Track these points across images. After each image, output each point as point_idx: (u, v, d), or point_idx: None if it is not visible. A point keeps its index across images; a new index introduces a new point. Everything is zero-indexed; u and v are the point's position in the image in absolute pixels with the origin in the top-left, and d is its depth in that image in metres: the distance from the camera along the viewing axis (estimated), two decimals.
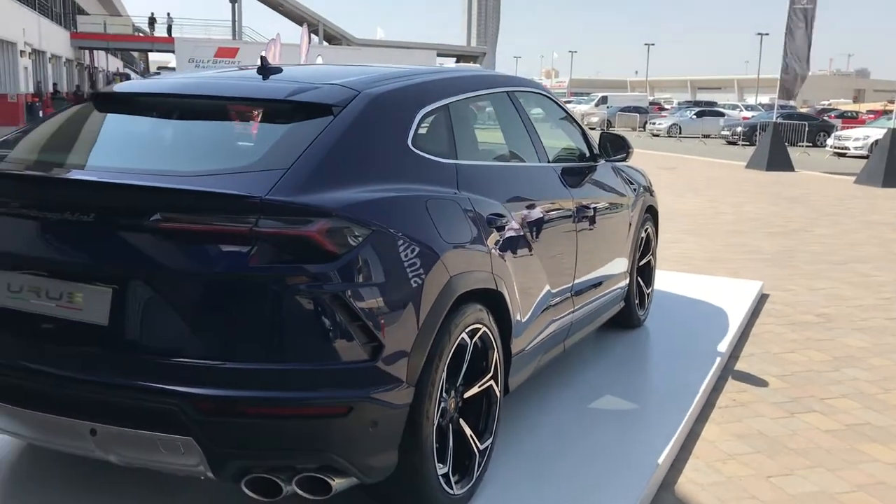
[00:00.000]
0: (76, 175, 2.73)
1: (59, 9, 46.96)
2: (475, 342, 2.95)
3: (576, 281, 4.02)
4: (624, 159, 4.76)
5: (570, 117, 4.58)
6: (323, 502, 2.59)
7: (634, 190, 5.01)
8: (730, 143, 32.85)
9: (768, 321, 5.94)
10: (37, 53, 37.11)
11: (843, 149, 26.18)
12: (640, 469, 3.35)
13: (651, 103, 55.11)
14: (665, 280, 6.36)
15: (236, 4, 52.04)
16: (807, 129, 29.09)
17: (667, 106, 55.45)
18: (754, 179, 17.85)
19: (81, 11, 53.42)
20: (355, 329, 2.39)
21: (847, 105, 61.93)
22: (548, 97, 4.46)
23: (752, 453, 3.67)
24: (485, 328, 2.99)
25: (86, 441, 2.40)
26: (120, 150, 2.98)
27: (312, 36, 58.87)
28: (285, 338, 2.33)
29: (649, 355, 5.05)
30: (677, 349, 5.00)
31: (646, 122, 42.07)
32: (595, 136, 4.71)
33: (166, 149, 2.94)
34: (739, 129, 33.01)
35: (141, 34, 55.65)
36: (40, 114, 31.96)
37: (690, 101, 57.28)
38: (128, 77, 60.52)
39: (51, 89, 38.76)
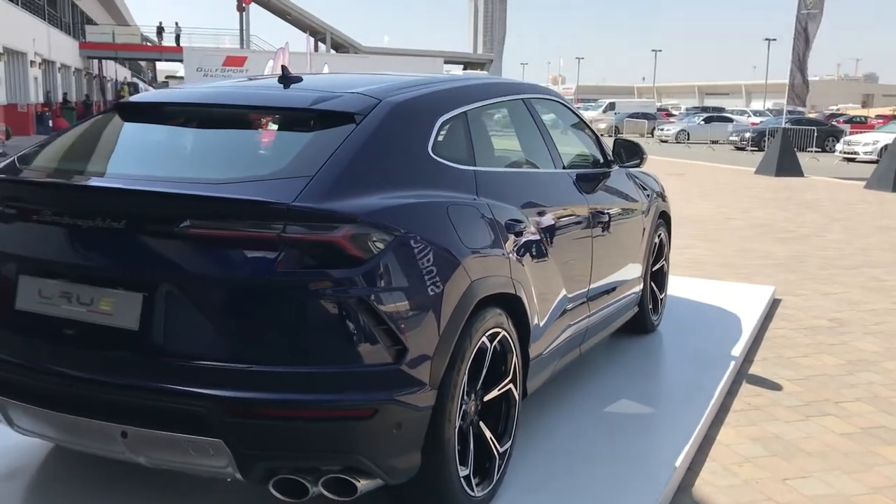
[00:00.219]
0: (107, 183, 2.79)
1: (69, 19, 47.27)
2: (495, 346, 3.00)
3: (591, 286, 4.06)
4: (638, 165, 4.80)
5: (584, 124, 4.63)
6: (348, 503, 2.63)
7: (648, 196, 5.05)
8: (738, 148, 32.84)
9: (781, 326, 5.97)
10: (46, 63, 37.34)
11: (852, 154, 26.16)
12: (657, 471, 3.38)
13: (659, 109, 55.08)
14: (677, 285, 6.39)
15: (244, 14, 52.29)
16: (816, 134, 29.08)
17: (674, 112, 55.44)
18: (764, 185, 17.85)
19: (90, 21, 53.76)
20: (380, 333, 2.44)
21: (856, 110, 61.82)
22: (562, 104, 4.51)
23: (768, 456, 3.70)
24: (504, 332, 3.03)
25: (116, 443, 2.45)
26: (149, 159, 3.04)
27: (320, 44, 59.13)
28: (312, 341, 2.38)
29: (663, 360, 5.08)
30: (691, 353, 5.03)
31: (654, 128, 42.09)
32: (609, 143, 4.75)
33: (194, 157, 2.99)
34: (748, 134, 33.00)
35: (149, 44, 55.95)
36: (49, 123, 32.17)
37: (698, 107, 57.32)
38: (136, 86, 60.88)
39: (60, 99, 39.00)
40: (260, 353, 2.36)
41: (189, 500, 3.07)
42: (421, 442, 2.61)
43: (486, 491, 2.99)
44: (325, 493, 2.49)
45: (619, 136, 27.69)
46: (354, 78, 3.48)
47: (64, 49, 41.88)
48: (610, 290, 4.37)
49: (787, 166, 19.96)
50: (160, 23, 54.81)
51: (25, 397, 2.54)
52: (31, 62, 33.67)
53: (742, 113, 46.91)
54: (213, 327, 2.39)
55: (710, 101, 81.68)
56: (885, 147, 22.47)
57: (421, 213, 2.72)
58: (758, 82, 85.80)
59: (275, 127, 2.99)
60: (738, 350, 5.07)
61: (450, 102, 3.27)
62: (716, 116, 41.29)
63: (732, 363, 4.80)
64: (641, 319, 5.18)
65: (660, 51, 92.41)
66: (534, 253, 3.35)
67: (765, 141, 28.99)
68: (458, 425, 2.76)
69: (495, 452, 3.04)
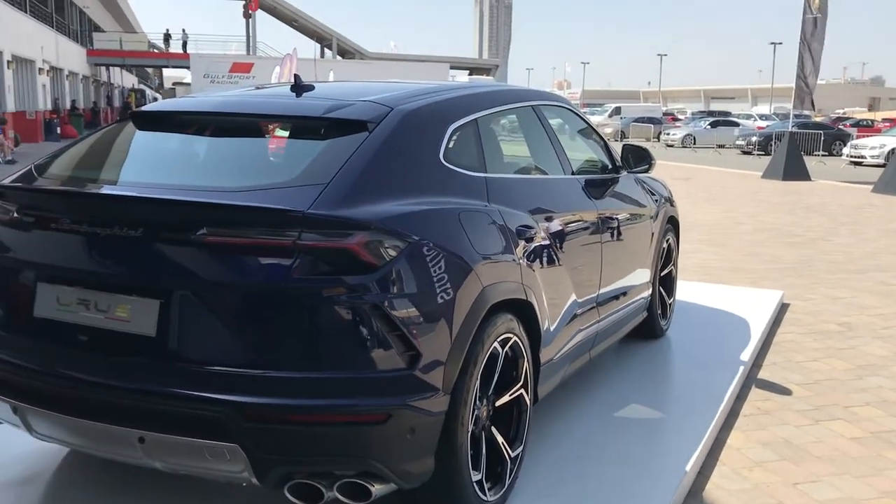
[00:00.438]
0: (124, 191, 2.82)
1: (76, 26, 47.51)
2: (506, 351, 3.02)
3: (600, 291, 4.08)
4: (646, 171, 4.82)
5: (592, 130, 4.65)
6: None
7: (656, 201, 5.07)
8: (745, 152, 32.79)
9: (790, 330, 5.97)
10: (54, 71, 37.52)
11: (859, 157, 26.08)
12: (667, 476, 3.39)
13: (665, 113, 55.08)
14: (686, 290, 6.40)
15: (250, 20, 52.47)
16: (822, 138, 29.04)
17: (680, 116, 55.42)
18: (771, 189, 17.84)
19: (97, 28, 54.00)
20: (393, 338, 2.47)
21: (862, 113, 61.68)
22: (571, 110, 4.54)
23: (778, 460, 3.71)
24: (515, 338, 3.05)
25: (134, 449, 2.48)
26: (165, 167, 3.08)
27: (326, 50, 59.25)
28: (326, 347, 2.41)
29: (672, 364, 5.09)
30: (700, 358, 5.04)
31: (660, 133, 42.09)
32: (617, 148, 4.78)
33: (209, 165, 3.03)
34: (754, 138, 32.95)
35: (156, 50, 56.20)
36: (58, 130, 32.32)
37: (704, 111, 57.24)
38: (143, 93, 61.10)
39: (68, 106, 39.18)
40: (275, 359, 2.39)
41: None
42: (434, 447, 2.63)
43: (499, 495, 3.01)
44: (340, 497, 2.51)
45: (627, 141, 27.73)
46: (366, 86, 3.51)
47: (72, 56, 42.10)
48: (619, 295, 4.39)
49: (793, 170, 19.94)
50: (167, 30, 55.11)
51: (44, 403, 2.58)
52: (40, 70, 33.86)
53: (748, 117, 46.83)
54: (229, 333, 2.42)
55: (716, 106, 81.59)
56: (892, 150, 22.47)
57: (433, 220, 2.75)
58: (764, 86, 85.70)
59: (289, 135, 3.02)
60: (746, 354, 5.08)
61: (461, 110, 3.30)
62: (722, 120, 41.24)
63: (741, 368, 4.81)
64: (650, 324, 5.20)
65: (665, 55, 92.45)
66: (544, 258, 3.37)
67: (771, 145, 28.96)
68: (470, 430, 2.78)
69: (507, 457, 3.07)
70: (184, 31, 54.48)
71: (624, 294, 4.48)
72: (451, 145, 3.10)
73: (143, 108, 3.43)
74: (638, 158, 4.74)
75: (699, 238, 10.35)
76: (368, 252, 2.44)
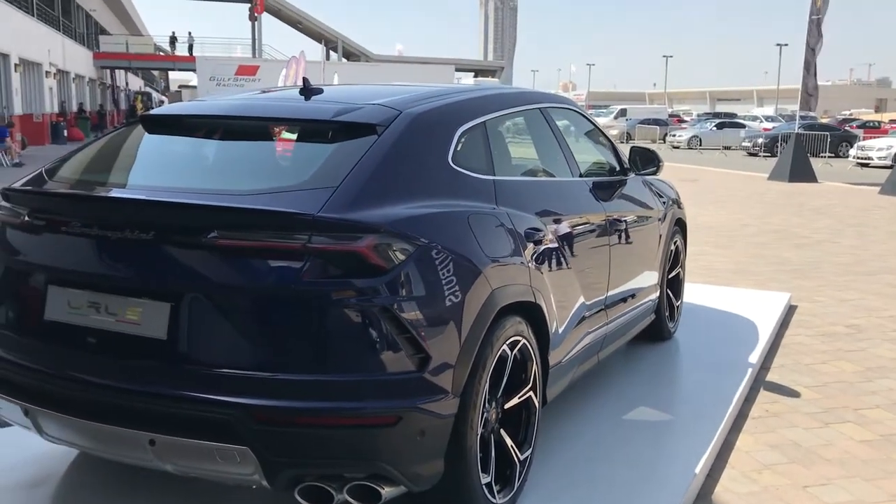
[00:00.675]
0: (134, 194, 2.83)
1: (83, 30, 47.66)
2: (515, 354, 3.02)
3: (608, 293, 4.08)
4: (654, 173, 4.82)
5: (600, 132, 4.65)
6: None
7: (664, 203, 5.07)
8: (751, 154, 32.73)
9: (798, 332, 5.96)
10: (61, 74, 37.62)
11: (866, 159, 26.01)
12: (676, 478, 3.39)
13: (670, 115, 54.96)
14: (693, 292, 6.40)
15: (256, 23, 52.55)
16: (829, 139, 28.94)
17: (686, 118, 55.30)
18: (777, 190, 17.81)
19: (104, 31, 54.17)
20: (403, 341, 2.47)
21: (869, 115, 61.50)
22: (579, 112, 4.54)
23: (788, 463, 3.70)
24: (524, 340, 3.05)
25: (144, 451, 2.49)
26: (175, 171, 3.09)
27: (331, 52, 59.34)
28: (336, 350, 2.41)
29: (680, 367, 5.08)
30: (708, 361, 5.03)
31: (665, 134, 42.02)
32: (625, 150, 4.77)
33: (220, 169, 3.04)
34: (760, 140, 32.88)
35: (162, 53, 56.33)
36: (64, 133, 32.40)
37: (710, 113, 57.15)
38: (149, 96, 61.23)
39: (75, 109, 39.30)
40: (286, 362, 2.40)
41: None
42: (444, 449, 2.63)
43: (508, 498, 3.01)
44: (350, 500, 2.51)
45: (633, 143, 27.67)
46: (375, 89, 3.52)
47: (78, 59, 42.22)
48: (627, 297, 4.39)
49: (800, 172, 19.90)
50: (173, 32, 55.10)
51: (55, 405, 2.58)
52: (47, 73, 33.96)
53: (754, 118, 46.72)
54: (239, 336, 2.43)
55: (722, 107, 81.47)
56: None
57: (442, 223, 2.75)
58: (769, 88, 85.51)
59: (298, 138, 3.03)
60: (755, 357, 5.07)
61: (469, 113, 3.30)
62: (728, 122, 41.17)
63: (749, 370, 4.80)
64: (658, 327, 5.19)
65: (671, 57, 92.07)
66: (553, 261, 3.37)
67: (777, 146, 28.88)
68: (479, 433, 2.78)
69: (516, 460, 3.07)
70: (189, 34, 54.55)
71: (632, 296, 4.48)
72: (459, 148, 3.10)
73: (153, 112, 3.44)
74: (646, 160, 4.73)
75: (706, 240, 10.33)
76: (378, 255, 2.45)
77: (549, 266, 3.33)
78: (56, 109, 35.74)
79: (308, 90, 3.32)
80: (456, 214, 2.84)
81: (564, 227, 3.57)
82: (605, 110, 57.27)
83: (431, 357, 2.52)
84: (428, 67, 50.16)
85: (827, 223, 12.35)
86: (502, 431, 3.01)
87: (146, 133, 3.30)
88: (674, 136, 40.32)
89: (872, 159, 25.68)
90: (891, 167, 20.10)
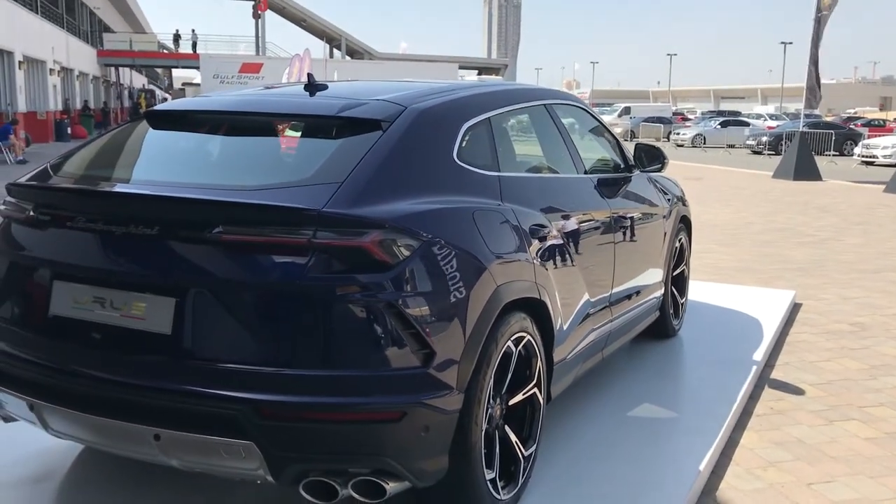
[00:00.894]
0: (140, 189, 2.84)
1: (87, 27, 47.70)
2: (519, 350, 3.02)
3: (613, 290, 4.07)
4: (659, 170, 4.81)
5: (605, 129, 4.64)
6: None
7: (668, 200, 5.06)
8: (755, 152, 32.67)
9: (802, 330, 5.95)
10: (65, 71, 37.66)
11: (870, 157, 25.94)
12: (681, 475, 3.39)
13: (674, 113, 54.90)
14: (697, 290, 6.38)
15: (260, 21, 52.56)
16: (833, 137, 28.89)
17: (690, 116, 55.24)
18: (782, 189, 17.78)
19: (108, 29, 54.19)
20: (408, 336, 2.47)
21: (873, 113, 61.34)
22: (584, 109, 4.53)
23: (792, 460, 3.70)
24: (529, 337, 3.05)
25: (149, 446, 2.49)
26: (180, 166, 3.09)
27: (335, 50, 59.35)
28: (341, 345, 2.41)
29: (685, 364, 5.07)
30: (712, 358, 5.03)
31: (670, 133, 41.97)
32: (630, 147, 4.77)
33: (225, 164, 3.04)
34: (765, 138, 32.81)
35: (166, 51, 56.36)
36: (68, 130, 32.44)
37: (714, 111, 57.04)
38: (152, 93, 61.31)
39: (79, 106, 39.34)
40: (290, 357, 2.40)
41: (217, 502, 3.11)
42: (448, 445, 2.63)
43: (512, 494, 3.01)
44: (355, 495, 2.51)
45: (640, 141, 27.63)
46: (380, 85, 3.52)
47: (82, 57, 42.27)
48: (632, 294, 4.38)
49: (804, 170, 19.86)
50: (177, 30, 55.18)
51: (60, 400, 2.58)
52: (51, 70, 34.00)
53: (758, 116, 46.64)
54: (244, 331, 2.43)
55: (726, 105, 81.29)
56: None
57: (447, 219, 2.75)
58: (774, 86, 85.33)
59: (303, 134, 3.03)
60: (759, 354, 5.07)
61: (474, 109, 3.30)
62: (732, 120, 41.08)
63: (754, 367, 4.79)
64: (663, 324, 5.19)
65: (675, 54, 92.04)
66: (557, 258, 3.37)
67: (782, 145, 28.83)
68: (484, 429, 2.78)
69: (520, 456, 3.06)
70: (193, 31, 54.53)
71: (636, 293, 4.47)
72: (464, 144, 3.10)
73: (158, 108, 3.45)
74: (651, 158, 4.73)
75: (710, 238, 10.32)
76: (382, 250, 2.44)
77: (554, 262, 3.33)
78: (60, 107, 35.77)
79: (313, 86, 3.31)
80: (461, 210, 2.84)
81: (569, 224, 3.57)
82: (608, 108, 57.16)
83: (436, 353, 2.52)
84: (432, 65, 50.16)
85: (831, 221, 12.33)
86: (507, 428, 3.00)
87: (151, 129, 3.30)
88: (678, 134, 40.27)
89: (877, 157, 25.61)
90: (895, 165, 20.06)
